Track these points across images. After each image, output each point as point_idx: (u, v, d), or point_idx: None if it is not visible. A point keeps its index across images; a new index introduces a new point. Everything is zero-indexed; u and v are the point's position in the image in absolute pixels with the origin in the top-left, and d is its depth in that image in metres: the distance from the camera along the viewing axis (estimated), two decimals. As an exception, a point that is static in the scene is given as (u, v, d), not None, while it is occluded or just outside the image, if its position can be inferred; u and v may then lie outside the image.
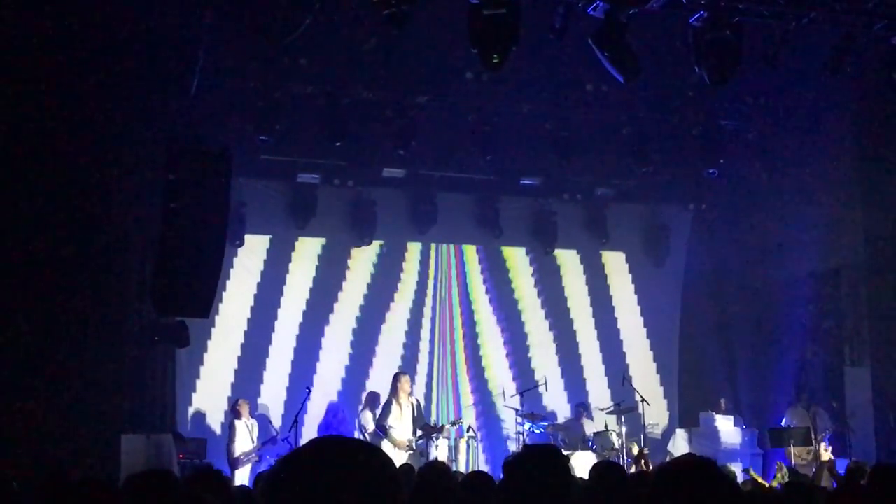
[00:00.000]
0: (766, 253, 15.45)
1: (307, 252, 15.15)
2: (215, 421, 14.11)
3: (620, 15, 9.71)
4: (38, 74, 9.97)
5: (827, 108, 13.21)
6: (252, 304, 14.76)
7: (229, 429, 13.21)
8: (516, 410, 14.14)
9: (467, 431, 14.09)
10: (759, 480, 11.16)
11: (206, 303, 11.35)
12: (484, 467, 14.13)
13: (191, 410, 14.15)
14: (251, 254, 14.78)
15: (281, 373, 14.65)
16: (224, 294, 13.95)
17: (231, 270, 14.22)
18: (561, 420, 15.15)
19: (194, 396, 14.23)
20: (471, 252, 15.97)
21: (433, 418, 14.69)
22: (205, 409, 14.27)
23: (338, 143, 12.98)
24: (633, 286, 16.55)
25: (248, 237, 14.59)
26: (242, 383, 14.37)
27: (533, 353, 15.90)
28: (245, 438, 13.05)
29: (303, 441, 12.46)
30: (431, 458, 12.53)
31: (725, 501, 2.64)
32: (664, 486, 2.73)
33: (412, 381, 14.17)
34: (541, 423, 14.03)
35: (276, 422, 13.78)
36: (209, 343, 14.33)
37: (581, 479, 6.26)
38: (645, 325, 16.47)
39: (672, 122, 13.88)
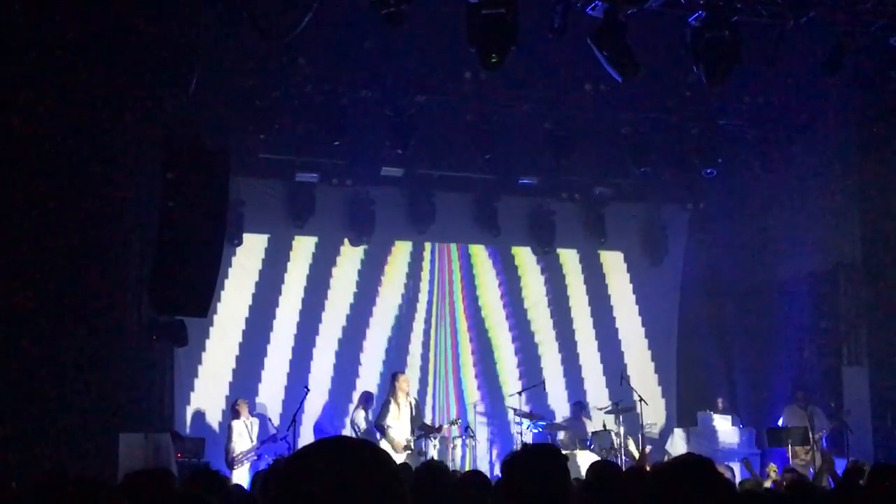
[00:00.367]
0: (764, 253, 15.46)
1: (305, 251, 15.15)
2: (214, 420, 14.12)
3: (619, 14, 9.72)
4: (35, 73, 9.95)
5: (825, 108, 13.22)
6: (250, 302, 14.77)
7: (227, 429, 13.21)
8: (514, 410, 14.14)
9: (465, 431, 14.09)
10: (755, 476, 11.18)
11: (204, 302, 11.34)
12: (481, 466, 14.15)
13: (189, 409, 14.16)
14: (250, 253, 14.78)
15: (279, 372, 14.66)
16: (222, 293, 13.95)
17: (229, 269, 14.21)
18: (559, 419, 15.15)
19: (193, 395, 14.24)
20: (469, 251, 15.96)
21: (430, 418, 14.69)
22: (203, 408, 14.27)
23: (336, 143, 12.99)
24: (631, 285, 16.55)
25: (246, 236, 14.59)
26: (241, 382, 14.37)
27: (531, 353, 15.90)
28: (243, 438, 13.05)
29: (301, 440, 12.49)
30: (429, 457, 12.54)
31: (722, 501, 2.65)
32: (661, 486, 2.73)
33: (412, 380, 14.18)
34: (539, 422, 14.03)
35: (275, 420, 13.78)
36: (208, 342, 14.33)
37: (576, 479, 6.27)
38: (643, 325, 16.48)
39: (670, 121, 13.88)
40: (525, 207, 15.84)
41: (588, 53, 10.07)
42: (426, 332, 15.56)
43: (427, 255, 15.72)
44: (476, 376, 15.67)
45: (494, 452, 15.27)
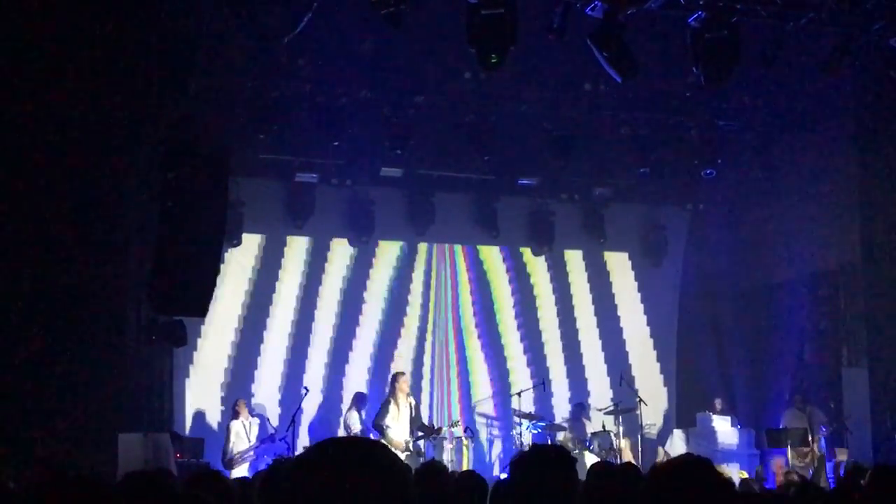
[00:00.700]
0: (764, 253, 15.46)
1: (304, 251, 15.15)
2: (213, 420, 14.11)
3: (619, 15, 9.72)
4: (36, 74, 9.95)
5: (825, 109, 13.22)
6: (250, 303, 14.77)
7: (226, 430, 13.21)
8: (514, 411, 14.14)
9: (464, 432, 14.09)
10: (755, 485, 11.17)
11: (203, 302, 11.33)
12: (481, 467, 14.14)
13: (188, 410, 14.14)
14: (249, 253, 14.78)
15: (278, 372, 14.66)
16: (222, 293, 13.91)
17: (229, 269, 14.19)
18: (559, 420, 15.14)
19: (192, 396, 14.23)
20: (468, 252, 15.96)
21: (434, 418, 14.69)
22: (202, 408, 14.27)
23: (336, 143, 12.99)
24: (630, 286, 16.55)
25: (245, 236, 14.58)
26: (240, 382, 14.37)
27: (530, 353, 15.89)
28: (241, 438, 13.05)
29: (300, 441, 12.48)
30: (429, 458, 12.53)
31: (721, 501, 2.64)
32: (660, 487, 2.72)
33: (411, 381, 14.17)
34: (538, 423, 14.03)
35: (274, 420, 13.77)
36: (207, 342, 14.33)
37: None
38: (642, 326, 16.48)
39: (670, 122, 13.88)
40: (524, 208, 15.84)
41: (588, 54, 10.07)
42: (425, 333, 15.55)
43: (426, 255, 15.71)
44: (475, 377, 15.65)
45: (494, 453, 15.28)
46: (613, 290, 16.47)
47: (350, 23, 10.97)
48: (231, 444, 12.98)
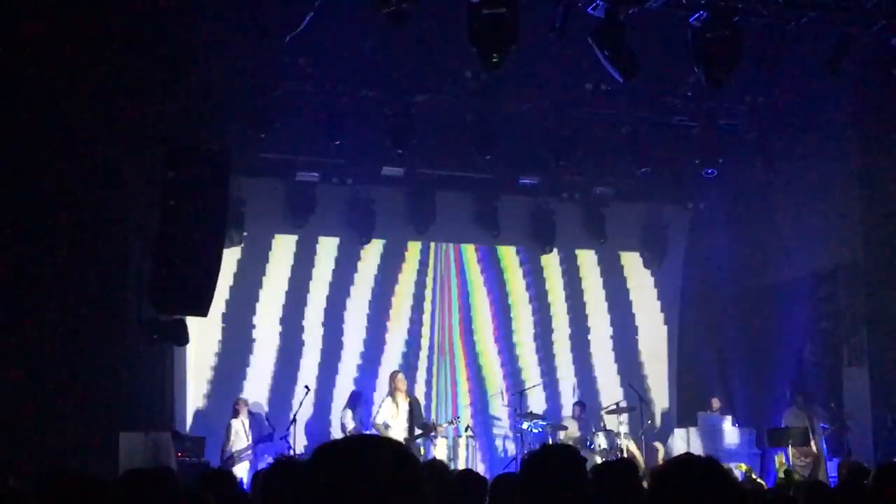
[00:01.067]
0: (765, 253, 15.46)
1: (306, 250, 15.15)
2: (213, 419, 14.10)
3: (620, 14, 9.72)
4: (37, 73, 9.96)
5: (826, 108, 13.21)
6: (251, 302, 14.77)
7: (225, 428, 13.22)
8: (515, 410, 14.14)
9: (465, 431, 14.10)
10: (757, 479, 11.18)
11: (204, 301, 11.35)
12: (482, 466, 14.16)
13: (189, 408, 14.15)
14: (250, 252, 14.78)
15: (279, 371, 14.67)
16: (223, 292, 13.94)
17: (230, 269, 14.20)
18: (560, 420, 15.14)
19: (193, 394, 14.23)
20: (469, 251, 15.97)
21: (433, 417, 14.69)
22: (203, 407, 14.28)
23: (337, 142, 12.98)
24: (631, 285, 16.55)
25: (246, 235, 14.59)
26: (241, 382, 14.38)
27: (531, 352, 15.90)
28: (240, 437, 13.07)
29: (301, 440, 12.50)
30: (430, 456, 12.55)
31: (729, 500, 2.64)
32: (666, 486, 2.72)
33: (412, 380, 14.19)
34: (539, 422, 14.03)
35: (273, 420, 13.77)
36: (208, 341, 14.33)
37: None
38: (643, 325, 16.48)
39: (671, 121, 13.87)
40: (525, 207, 15.84)
41: (589, 53, 10.07)
42: (427, 332, 15.55)
43: (427, 254, 15.71)
44: (476, 375, 15.66)
45: (494, 452, 15.29)
46: (614, 289, 16.47)
47: (351, 22, 10.96)
48: (230, 443, 13.00)
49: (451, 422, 13.96)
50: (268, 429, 13.22)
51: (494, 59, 9.43)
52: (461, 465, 13.35)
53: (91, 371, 10.50)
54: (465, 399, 15.54)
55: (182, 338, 12.62)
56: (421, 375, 15.27)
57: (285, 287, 14.98)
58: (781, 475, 11.73)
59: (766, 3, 10.24)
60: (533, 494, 3.70)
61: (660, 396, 16.19)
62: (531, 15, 9.59)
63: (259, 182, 14.48)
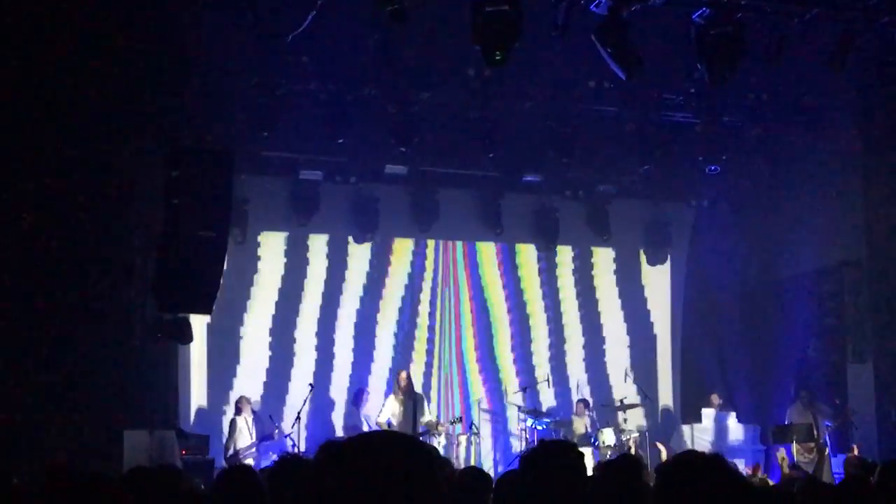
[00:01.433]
0: (769, 249, 15.46)
1: (309, 249, 15.16)
2: (218, 417, 14.12)
3: (623, 11, 9.71)
4: (39, 73, 9.97)
5: (830, 105, 13.19)
6: (254, 300, 14.78)
7: (230, 425, 13.24)
8: (519, 407, 14.15)
9: (469, 428, 14.11)
10: (761, 475, 11.17)
11: (208, 299, 11.37)
12: (486, 463, 14.16)
13: (193, 406, 14.17)
14: (253, 250, 14.79)
15: (283, 369, 14.67)
16: (226, 291, 13.93)
17: (233, 267, 14.20)
18: (563, 416, 15.15)
19: (197, 393, 14.25)
20: (472, 249, 15.96)
21: (435, 415, 14.69)
22: (207, 405, 14.29)
23: (340, 140, 12.98)
24: (634, 283, 16.54)
25: (250, 234, 14.61)
26: (245, 379, 14.39)
27: (535, 350, 15.90)
28: (244, 435, 13.09)
29: (305, 437, 12.50)
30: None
31: (736, 496, 2.63)
32: (673, 482, 2.71)
33: (415, 378, 14.19)
34: (543, 419, 14.04)
35: (276, 418, 13.79)
36: (212, 339, 14.34)
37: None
38: (647, 322, 16.48)
39: (674, 118, 13.85)
40: (529, 205, 15.83)
41: (592, 50, 10.06)
42: (430, 330, 15.56)
43: (431, 252, 15.72)
44: (480, 373, 15.66)
45: (499, 449, 15.29)
46: (617, 287, 16.46)
47: (354, 20, 10.96)
48: (234, 440, 13.01)
49: (454, 421, 13.94)
50: (271, 427, 13.23)
51: (497, 57, 9.42)
52: (463, 462, 13.35)
53: (95, 369, 10.52)
54: (469, 396, 15.53)
55: (186, 336, 12.64)
56: (426, 373, 15.25)
57: (289, 285, 14.98)
58: (785, 469, 11.72)
59: (768, 0, 10.23)
60: (531, 491, 3.70)
61: (664, 393, 16.19)
62: (534, 12, 9.57)
63: (262, 181, 14.49)
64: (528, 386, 14.59)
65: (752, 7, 10.15)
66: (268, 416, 13.58)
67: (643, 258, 16.58)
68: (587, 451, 12.85)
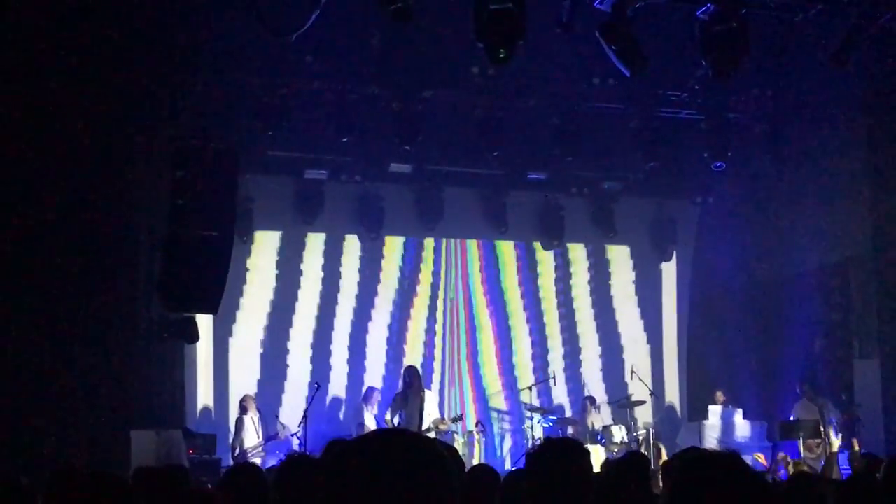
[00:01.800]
0: (775, 246, 15.43)
1: (314, 248, 15.17)
2: (224, 417, 14.14)
3: (627, 8, 9.70)
4: (44, 73, 9.99)
5: (835, 100, 13.16)
6: (260, 300, 14.79)
7: (236, 424, 13.25)
8: (524, 404, 14.15)
9: (476, 426, 14.11)
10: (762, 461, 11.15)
11: (214, 299, 11.39)
12: (492, 461, 14.15)
13: (200, 406, 14.19)
14: (259, 250, 14.81)
15: (289, 368, 14.69)
16: (232, 290, 13.95)
17: (239, 266, 14.22)
18: (569, 414, 15.14)
19: (203, 392, 14.27)
20: (478, 247, 15.96)
21: (440, 412, 14.70)
22: (214, 405, 14.31)
23: (344, 139, 12.99)
24: (639, 280, 16.53)
25: (255, 233, 14.63)
26: (250, 379, 14.40)
27: (541, 347, 15.90)
28: (251, 434, 13.10)
29: (311, 437, 12.51)
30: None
31: (753, 494, 2.62)
32: (688, 480, 2.70)
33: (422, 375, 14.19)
34: (549, 416, 14.04)
35: (283, 417, 13.81)
36: (218, 339, 14.36)
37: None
38: (652, 319, 16.46)
39: (679, 115, 13.84)
40: (534, 203, 15.83)
41: (596, 48, 10.05)
42: (436, 328, 15.56)
43: (436, 251, 15.72)
44: (486, 371, 15.66)
45: (505, 447, 15.30)
46: (622, 284, 16.45)
47: (358, 19, 10.97)
48: (241, 440, 13.02)
49: (454, 419, 13.86)
50: (275, 427, 13.24)
51: (501, 55, 9.43)
52: (469, 460, 13.35)
53: (102, 369, 10.53)
54: (476, 394, 15.53)
55: (192, 335, 12.67)
56: (432, 371, 15.26)
57: (294, 284, 14.99)
58: (790, 469, 11.70)
59: (773, -4, 10.23)
60: (537, 489, 3.70)
61: (670, 390, 16.18)
62: (538, 10, 9.58)
63: (267, 180, 14.50)
64: (534, 383, 14.58)
65: (757, 3, 10.15)
66: (273, 415, 13.60)
67: (649, 255, 16.55)
68: (594, 449, 12.84)
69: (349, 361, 15.03)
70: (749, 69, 10.76)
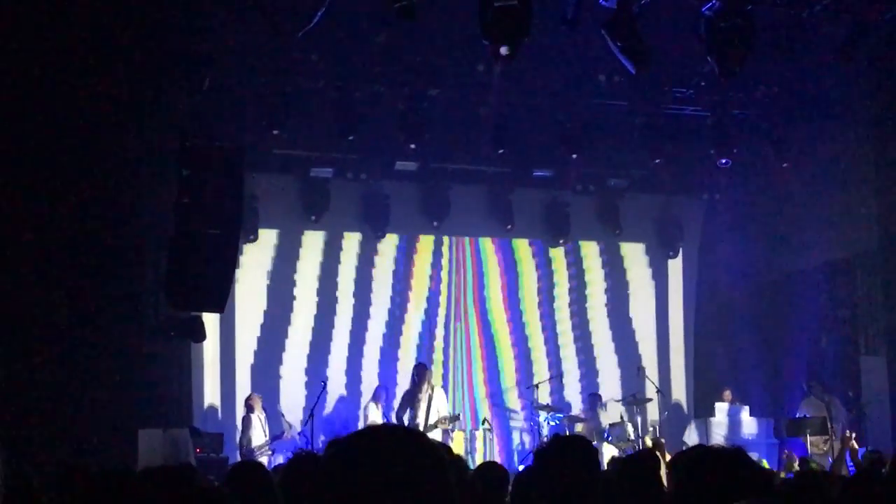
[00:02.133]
0: (781, 242, 15.40)
1: (320, 246, 15.17)
2: (231, 415, 14.16)
3: (633, 5, 9.69)
4: (51, 72, 10.00)
5: (840, 97, 13.14)
6: (266, 298, 14.80)
7: (243, 422, 13.26)
8: (531, 402, 14.15)
9: (482, 424, 14.11)
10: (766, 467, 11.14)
11: (220, 297, 11.39)
12: (499, 458, 14.16)
13: (206, 405, 14.21)
14: (265, 248, 14.81)
15: (295, 367, 14.70)
16: (238, 289, 13.97)
17: (245, 265, 14.24)
18: (576, 411, 15.14)
19: (210, 391, 14.29)
20: (484, 244, 15.96)
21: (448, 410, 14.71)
22: (221, 403, 14.32)
23: (350, 137, 13.00)
24: (646, 277, 16.52)
25: (261, 231, 14.62)
26: (257, 377, 14.42)
27: (547, 345, 15.89)
28: (258, 432, 13.11)
29: (318, 435, 12.53)
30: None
31: (757, 488, 2.63)
32: (694, 474, 2.70)
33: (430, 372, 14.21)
34: (556, 414, 14.03)
35: (290, 415, 13.83)
36: (224, 337, 14.37)
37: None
38: (658, 316, 16.44)
39: (684, 112, 13.83)
40: (539, 200, 15.81)
41: (602, 44, 10.05)
42: (443, 325, 15.56)
43: (442, 248, 15.71)
44: (493, 369, 15.66)
45: (512, 445, 15.30)
46: (629, 281, 16.44)
47: (363, 17, 10.98)
48: (248, 438, 13.03)
49: (452, 419, 13.73)
50: (281, 426, 13.25)
51: (507, 52, 9.42)
52: (479, 459, 13.36)
53: (109, 369, 10.54)
54: (481, 391, 15.54)
55: (198, 334, 12.67)
56: (437, 369, 15.25)
57: (300, 283, 15.00)
58: (794, 466, 11.68)
59: (779, -8, 10.21)
60: (546, 486, 3.71)
61: (676, 387, 16.16)
62: (543, 7, 9.57)
63: (273, 178, 14.50)
64: (540, 381, 14.57)
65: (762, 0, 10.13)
66: (279, 414, 13.62)
67: (654, 252, 16.54)
68: (601, 447, 12.84)
69: (356, 360, 15.03)
70: (755, 66, 10.75)
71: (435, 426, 13.11)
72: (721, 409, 14.86)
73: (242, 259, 13.67)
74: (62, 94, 10.08)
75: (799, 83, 13.11)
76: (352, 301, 15.17)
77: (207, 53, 11.10)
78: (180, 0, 10.44)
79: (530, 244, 16.10)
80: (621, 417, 14.12)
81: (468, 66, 12.49)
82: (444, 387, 14.98)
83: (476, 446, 13.82)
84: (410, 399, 13.33)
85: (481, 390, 15.56)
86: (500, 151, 13.67)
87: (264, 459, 12.89)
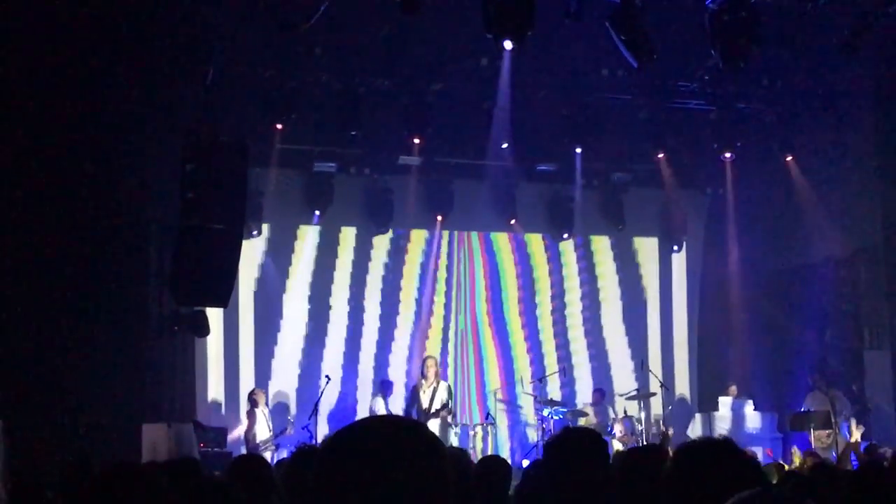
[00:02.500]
0: (784, 237, 15.38)
1: (324, 241, 15.18)
2: (234, 410, 14.17)
3: (636, -2, 9.68)
4: (55, 67, 10.01)
5: (845, 90, 13.11)
6: (269, 293, 14.80)
7: (248, 417, 13.27)
8: (535, 397, 14.15)
9: (485, 419, 14.13)
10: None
11: (224, 292, 11.40)
12: (502, 453, 14.16)
13: (210, 400, 14.22)
14: (269, 243, 14.82)
15: (297, 361, 14.71)
16: (242, 283, 13.98)
17: (249, 260, 14.24)
18: (580, 406, 15.14)
19: (214, 386, 14.30)
20: (487, 239, 15.95)
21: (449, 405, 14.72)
22: (224, 398, 14.34)
23: (353, 132, 12.99)
24: (649, 271, 16.51)
25: (264, 226, 14.63)
26: (261, 372, 14.44)
27: (551, 339, 15.88)
28: (262, 426, 13.12)
29: (321, 430, 12.55)
30: (448, 444, 12.56)
31: (748, 480, 2.63)
32: (686, 465, 2.71)
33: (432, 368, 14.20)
34: (560, 409, 14.03)
35: (293, 410, 13.83)
36: (228, 332, 14.38)
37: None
38: (662, 310, 16.43)
39: (688, 106, 13.80)
40: (543, 194, 15.80)
41: (605, 38, 10.03)
42: (446, 320, 15.56)
43: (446, 243, 15.71)
44: (497, 363, 15.66)
45: (516, 439, 15.30)
46: (633, 275, 16.43)
47: (366, 11, 10.97)
48: (252, 433, 13.04)
49: (443, 408, 13.67)
50: (285, 421, 13.26)
51: (510, 46, 9.41)
52: (480, 452, 13.36)
53: (113, 364, 10.57)
54: (486, 386, 15.53)
55: (202, 329, 12.70)
56: (442, 363, 15.24)
57: (304, 277, 15.00)
58: (797, 459, 11.66)
59: (783, -15, 10.19)
60: (556, 477, 3.71)
61: (680, 382, 16.15)
62: (547, 0, 9.55)
63: (276, 173, 14.49)
64: (544, 375, 14.58)
65: (767, -8, 10.11)
66: (283, 408, 13.63)
67: (659, 246, 16.52)
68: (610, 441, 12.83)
69: (360, 354, 15.04)
70: (759, 59, 10.72)
71: (436, 415, 13.10)
72: (725, 403, 14.86)
73: (245, 254, 13.66)
74: (66, 90, 10.09)
75: (803, 76, 13.07)
76: (355, 296, 15.17)
77: (211, 48, 11.09)
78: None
79: (534, 238, 16.08)
80: (625, 412, 14.11)
81: (472, 61, 12.47)
82: (444, 377, 15.00)
83: (477, 441, 13.80)
84: (417, 392, 13.36)
85: (485, 384, 15.55)
86: (504, 146, 13.65)
87: (268, 454, 12.91)
